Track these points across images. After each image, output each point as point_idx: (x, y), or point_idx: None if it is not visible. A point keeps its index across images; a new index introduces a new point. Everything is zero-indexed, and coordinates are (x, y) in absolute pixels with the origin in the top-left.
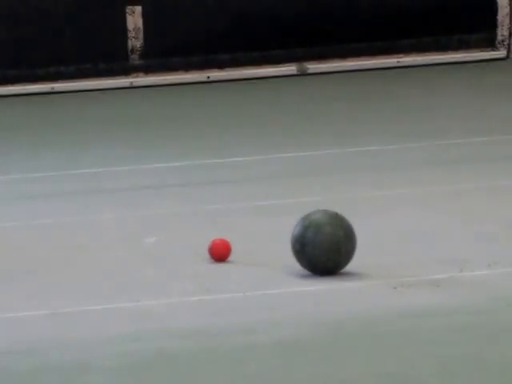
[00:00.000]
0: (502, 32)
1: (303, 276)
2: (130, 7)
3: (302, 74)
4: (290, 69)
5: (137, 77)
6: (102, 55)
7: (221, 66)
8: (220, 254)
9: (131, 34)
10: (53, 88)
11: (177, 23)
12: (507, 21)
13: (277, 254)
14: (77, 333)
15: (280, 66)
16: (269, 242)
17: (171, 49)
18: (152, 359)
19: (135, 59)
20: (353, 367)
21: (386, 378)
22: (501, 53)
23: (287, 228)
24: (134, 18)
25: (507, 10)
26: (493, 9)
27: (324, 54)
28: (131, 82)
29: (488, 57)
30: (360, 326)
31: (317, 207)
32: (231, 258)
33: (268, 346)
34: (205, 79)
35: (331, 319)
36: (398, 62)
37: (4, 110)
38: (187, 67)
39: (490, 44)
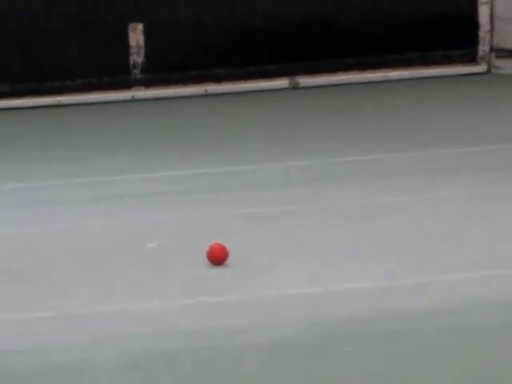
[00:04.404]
0: (483, 48)
1: (299, 278)
2: (132, 24)
3: (295, 87)
4: (283, 83)
5: (138, 90)
6: (106, 70)
7: (217, 80)
8: (217, 257)
9: (133, 50)
10: (59, 101)
11: (176, 40)
12: (488, 37)
13: (273, 258)
14: (79, 333)
15: (274, 80)
16: (266, 246)
17: (171, 64)
18: (153, 360)
19: (137, 74)
20: (347, 368)
21: (377, 378)
22: (482, 67)
23: (284, 233)
24: (136, 35)
25: (488, 27)
26: (475, 26)
27: (315, 69)
28: (133, 96)
29: (470, 71)
30: (353, 327)
31: (314, 214)
32: (229, 261)
33: (265, 346)
34: (202, 92)
35: (324, 320)
36: (386, 76)
37: (13, 122)
38: (186, 81)
39: (472, 59)
